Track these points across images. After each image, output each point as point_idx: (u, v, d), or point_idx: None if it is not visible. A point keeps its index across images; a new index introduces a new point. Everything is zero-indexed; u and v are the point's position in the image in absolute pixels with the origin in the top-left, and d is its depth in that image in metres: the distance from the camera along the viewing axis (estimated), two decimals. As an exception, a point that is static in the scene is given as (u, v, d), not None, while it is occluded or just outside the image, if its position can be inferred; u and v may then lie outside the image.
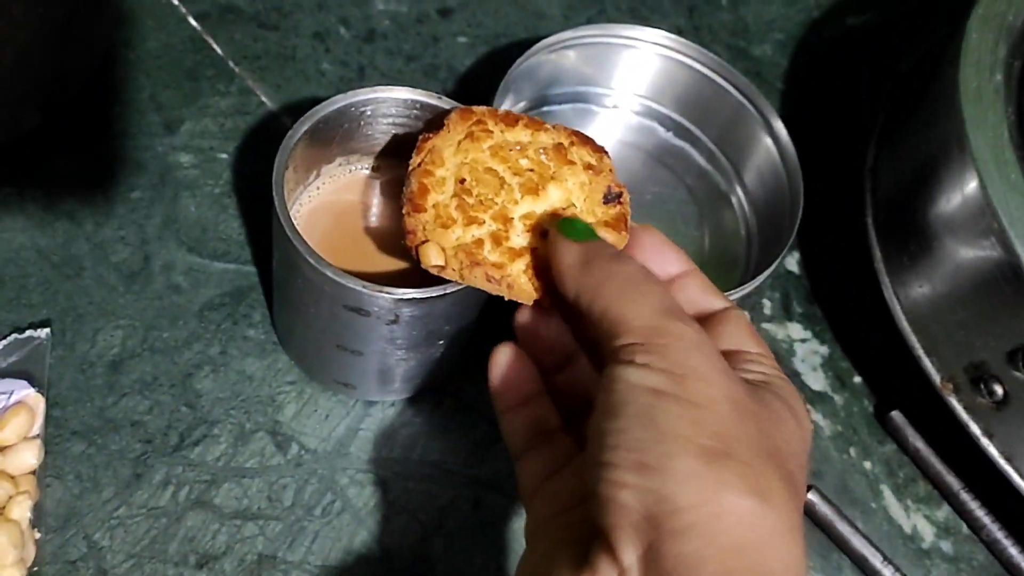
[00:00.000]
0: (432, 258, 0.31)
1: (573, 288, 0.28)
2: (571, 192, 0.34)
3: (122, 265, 0.41)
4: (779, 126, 0.44)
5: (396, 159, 0.38)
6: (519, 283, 0.32)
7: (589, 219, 0.33)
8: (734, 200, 0.49)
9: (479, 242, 0.32)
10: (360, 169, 0.38)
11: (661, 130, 0.49)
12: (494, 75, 0.42)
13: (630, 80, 0.48)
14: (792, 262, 0.49)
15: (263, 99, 0.45)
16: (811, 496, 0.41)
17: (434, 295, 0.32)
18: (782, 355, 0.46)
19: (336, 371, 0.38)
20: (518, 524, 0.39)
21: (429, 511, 0.38)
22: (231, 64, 0.45)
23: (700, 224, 0.48)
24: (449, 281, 0.32)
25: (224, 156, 0.44)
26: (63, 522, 0.35)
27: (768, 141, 0.46)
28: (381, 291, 0.31)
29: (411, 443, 0.40)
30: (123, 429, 0.37)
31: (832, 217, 0.49)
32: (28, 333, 0.37)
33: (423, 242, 0.32)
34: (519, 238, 0.32)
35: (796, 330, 0.47)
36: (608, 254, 0.28)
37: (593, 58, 0.46)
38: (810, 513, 0.41)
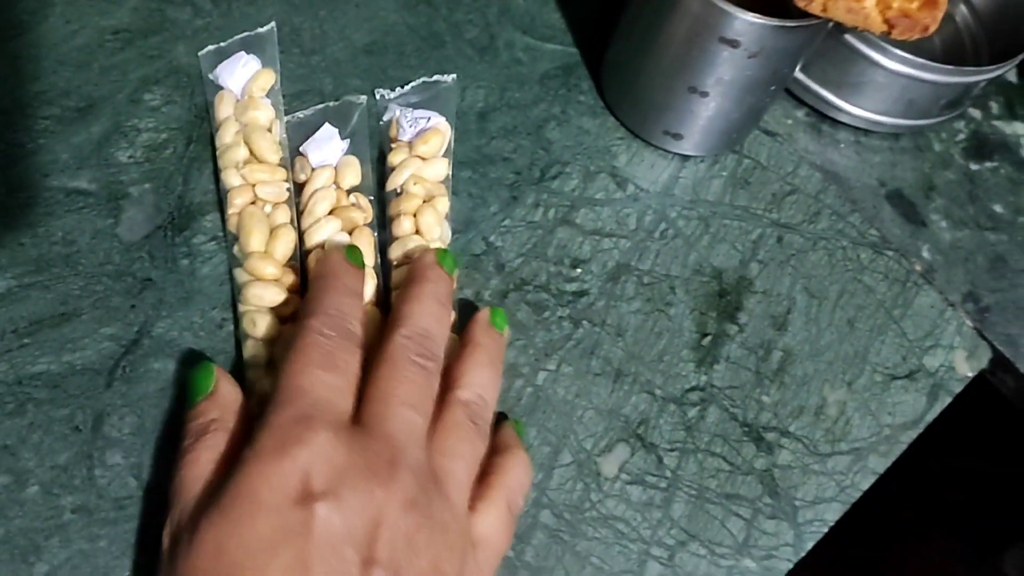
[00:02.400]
0: (804, -11, 0.39)
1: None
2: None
3: (474, 41, 0.48)
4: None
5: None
6: (872, 15, 0.39)
7: None
8: (959, 19, 0.56)
9: (838, -20, 0.39)
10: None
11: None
12: None
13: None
14: (1012, 75, 0.56)
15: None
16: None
17: (800, 25, 0.39)
18: (1011, 146, 0.53)
19: (671, 120, 0.45)
20: (815, 257, 0.46)
21: (744, 243, 0.46)
22: None
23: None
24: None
25: (542, -40, 0.52)
26: (464, 227, 0.43)
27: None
28: (760, 18, 0.39)
29: (722, 190, 0.47)
30: (497, 162, 0.45)
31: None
32: (436, 77, 0.45)
33: (794, -22, 0.39)
34: (870, -21, 0.39)
35: (1021, 127, 0.54)
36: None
37: None
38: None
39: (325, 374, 0.30)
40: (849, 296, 0.45)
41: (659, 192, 0.46)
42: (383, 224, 0.41)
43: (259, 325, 0.36)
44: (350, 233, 0.40)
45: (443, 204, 0.41)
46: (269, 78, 0.43)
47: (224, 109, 0.42)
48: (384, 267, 0.40)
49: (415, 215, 0.40)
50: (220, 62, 0.43)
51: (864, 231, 0.48)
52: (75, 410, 0.35)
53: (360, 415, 0.31)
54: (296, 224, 0.39)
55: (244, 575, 0.26)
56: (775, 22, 0.39)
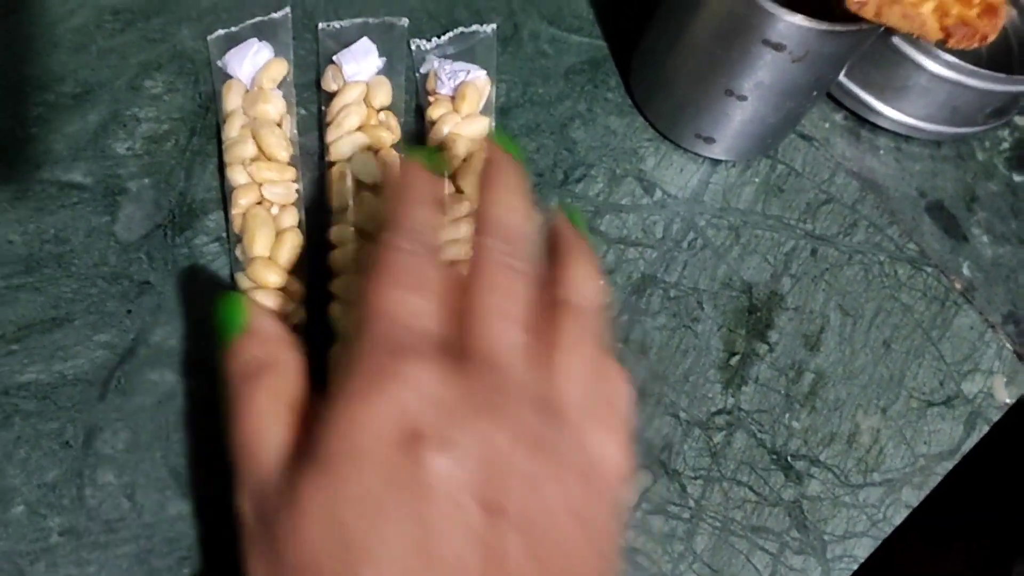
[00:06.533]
0: (859, -9, 0.36)
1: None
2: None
3: (496, 30, 0.45)
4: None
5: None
6: (929, 23, 0.36)
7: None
8: (1007, 23, 0.53)
9: (894, -18, 0.36)
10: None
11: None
12: None
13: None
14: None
15: None
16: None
17: (850, 29, 0.36)
18: (1058, 158, 0.50)
19: (703, 123, 0.43)
20: (850, 272, 0.44)
21: (776, 255, 0.43)
22: None
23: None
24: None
25: (571, -55, 0.49)
26: (482, 232, 0.40)
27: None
28: (807, 21, 0.36)
29: (754, 198, 0.44)
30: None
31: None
32: (474, 27, 0.43)
33: (848, -21, 0.36)
34: (927, -18, 0.37)
35: (1069, 137, 0.51)
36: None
37: None
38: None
39: (411, 295, 0.26)
40: (885, 315, 0.43)
41: (688, 198, 0.44)
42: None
43: (262, 337, 0.34)
44: (376, 153, 0.39)
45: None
46: (281, 68, 0.40)
47: (232, 100, 0.39)
48: None
49: (453, 175, 0.39)
50: (229, 48, 0.40)
51: (902, 245, 0.45)
52: (65, 424, 0.33)
53: (456, 338, 0.26)
54: (304, 228, 0.37)
55: (364, 544, 0.23)
56: (824, 26, 0.36)
